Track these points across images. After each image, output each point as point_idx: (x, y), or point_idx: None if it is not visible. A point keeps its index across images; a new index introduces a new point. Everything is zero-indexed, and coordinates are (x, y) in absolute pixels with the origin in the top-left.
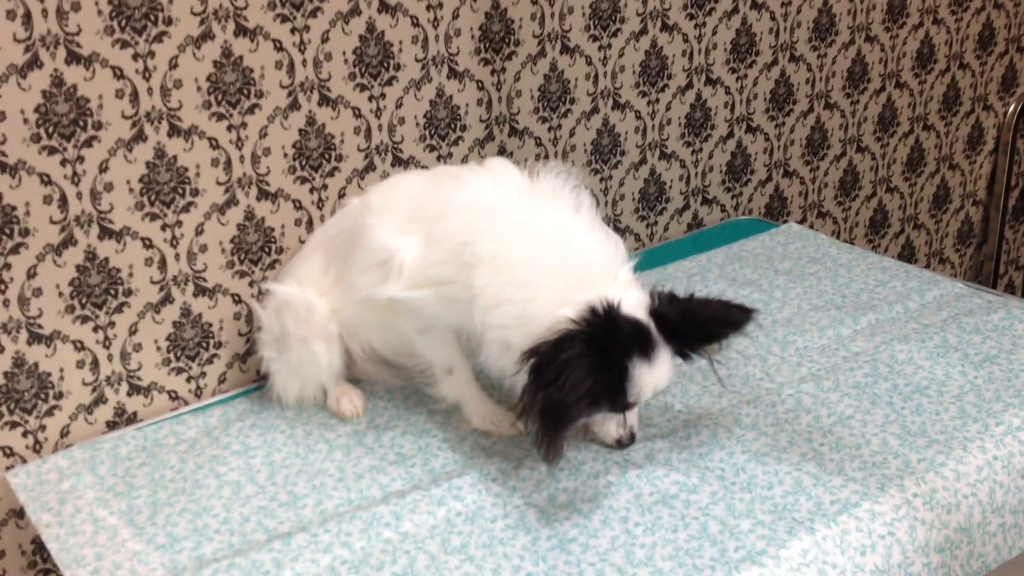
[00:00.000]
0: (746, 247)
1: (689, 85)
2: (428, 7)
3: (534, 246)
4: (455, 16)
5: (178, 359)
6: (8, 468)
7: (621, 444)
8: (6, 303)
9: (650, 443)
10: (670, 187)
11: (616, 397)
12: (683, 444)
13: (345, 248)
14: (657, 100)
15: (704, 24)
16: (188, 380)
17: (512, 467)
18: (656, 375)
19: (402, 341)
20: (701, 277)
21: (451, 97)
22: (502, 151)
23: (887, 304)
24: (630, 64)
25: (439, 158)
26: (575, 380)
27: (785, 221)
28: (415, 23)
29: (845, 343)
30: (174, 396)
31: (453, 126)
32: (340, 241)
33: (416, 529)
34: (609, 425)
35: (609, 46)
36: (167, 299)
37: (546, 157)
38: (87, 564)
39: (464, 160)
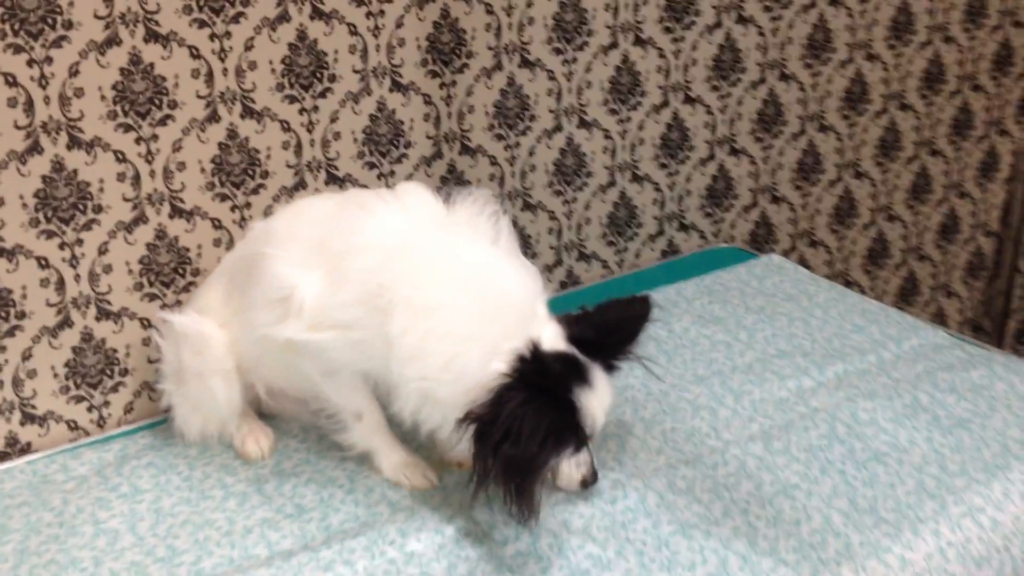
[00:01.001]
0: (720, 279)
1: (665, 103)
2: (368, 15)
3: (455, 289)
4: (399, 25)
5: (78, 387)
6: None
7: (586, 484)
8: None
9: (571, 507)
10: (642, 212)
11: (575, 431)
12: (607, 510)
13: (245, 277)
14: (628, 119)
15: (683, 39)
16: (90, 409)
17: (415, 528)
18: (601, 397)
19: (306, 382)
20: (665, 310)
21: (394, 111)
22: (452, 170)
23: (859, 353)
24: (598, 80)
25: (380, 176)
26: (531, 426)
27: (772, 250)
28: (352, 31)
29: (806, 397)
30: (73, 426)
31: (396, 142)
32: (241, 267)
33: None
34: (569, 471)
35: (575, 60)
36: (65, 322)
37: (501, 178)
38: None
39: (409, 178)
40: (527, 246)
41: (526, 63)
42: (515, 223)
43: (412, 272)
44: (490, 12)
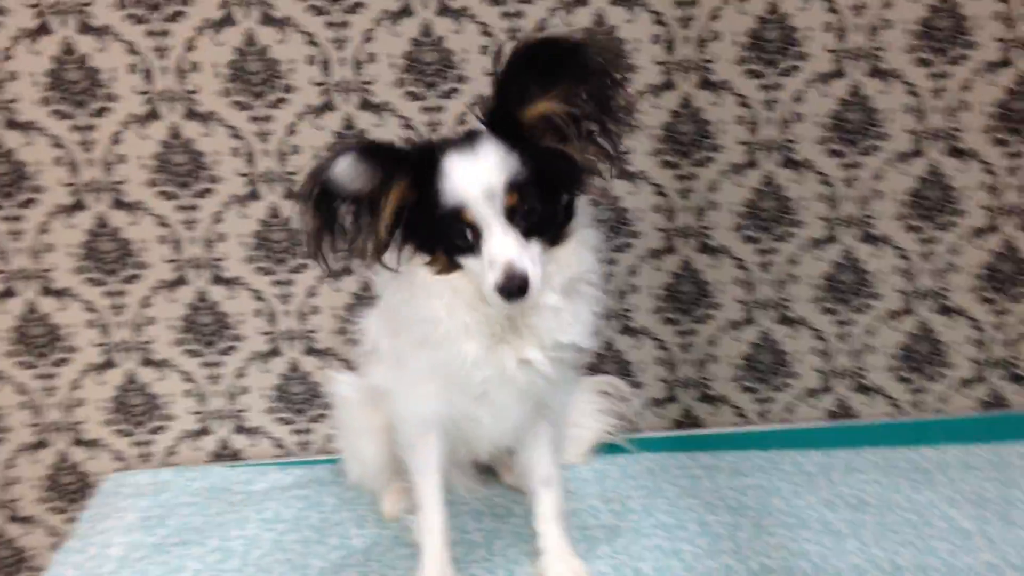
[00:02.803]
0: None
1: (993, 228)
2: None
3: None
4: None
5: (284, 410)
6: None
7: (503, 290)
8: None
9: None
10: (951, 350)
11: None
12: None
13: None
14: (935, 239)
15: (1019, 153)
16: (295, 432)
17: None
18: (479, 164)
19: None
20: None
21: (618, 198)
22: (687, 266)
23: None
24: (891, 188)
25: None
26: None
27: None
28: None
29: None
30: (278, 445)
31: (618, 229)
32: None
33: None
34: (485, 274)
35: (857, 164)
36: (274, 352)
37: (749, 284)
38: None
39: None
40: (782, 363)
41: (790, 163)
42: (765, 336)
43: None
44: (744, 105)
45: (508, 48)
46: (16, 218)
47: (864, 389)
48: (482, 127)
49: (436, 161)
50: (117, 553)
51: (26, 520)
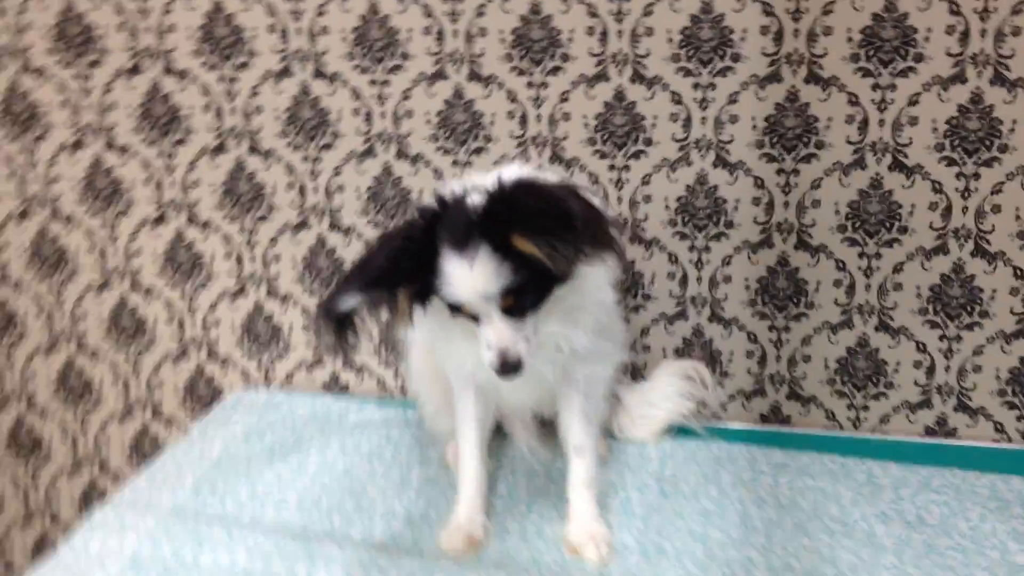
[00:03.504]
0: None
1: None
2: (696, 86)
3: None
4: (731, 101)
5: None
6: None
7: (498, 370)
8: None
9: None
10: None
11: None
12: None
13: None
14: None
15: None
16: (396, 376)
17: None
18: (475, 272)
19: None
20: (1002, 506)
21: (716, 187)
22: (784, 263)
23: None
24: (1011, 204)
25: (692, 248)
26: (371, 256)
27: None
28: (676, 100)
29: None
30: (382, 384)
31: (715, 218)
32: None
33: None
34: (481, 352)
35: (976, 175)
36: None
37: (851, 286)
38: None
39: (727, 262)
40: (881, 372)
41: (899, 166)
42: (863, 341)
43: None
44: (854, 103)
45: (507, 180)
46: (170, 155)
47: (968, 410)
48: (471, 204)
49: (434, 255)
50: (213, 456)
51: (168, 421)
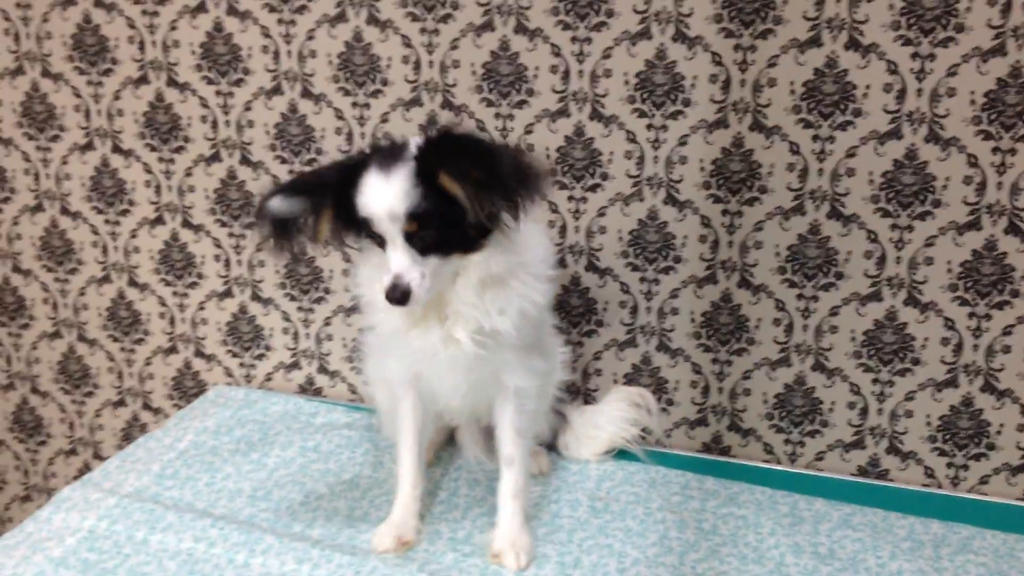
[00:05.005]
0: None
1: None
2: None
3: None
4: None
5: (359, 360)
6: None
7: (387, 297)
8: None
9: None
10: (993, 428)
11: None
12: None
13: None
14: (989, 315)
15: None
16: (365, 384)
17: None
18: (388, 190)
19: None
20: (915, 550)
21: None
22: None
23: None
24: (943, 258)
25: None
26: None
27: None
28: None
29: None
30: (352, 390)
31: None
32: None
33: None
34: (382, 277)
35: (908, 227)
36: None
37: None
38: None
39: None
40: (817, 411)
41: (836, 214)
42: (800, 379)
43: None
44: (795, 152)
45: (440, 123)
46: (171, 160)
47: (899, 452)
48: (413, 141)
49: (360, 175)
50: (181, 446)
51: (156, 411)
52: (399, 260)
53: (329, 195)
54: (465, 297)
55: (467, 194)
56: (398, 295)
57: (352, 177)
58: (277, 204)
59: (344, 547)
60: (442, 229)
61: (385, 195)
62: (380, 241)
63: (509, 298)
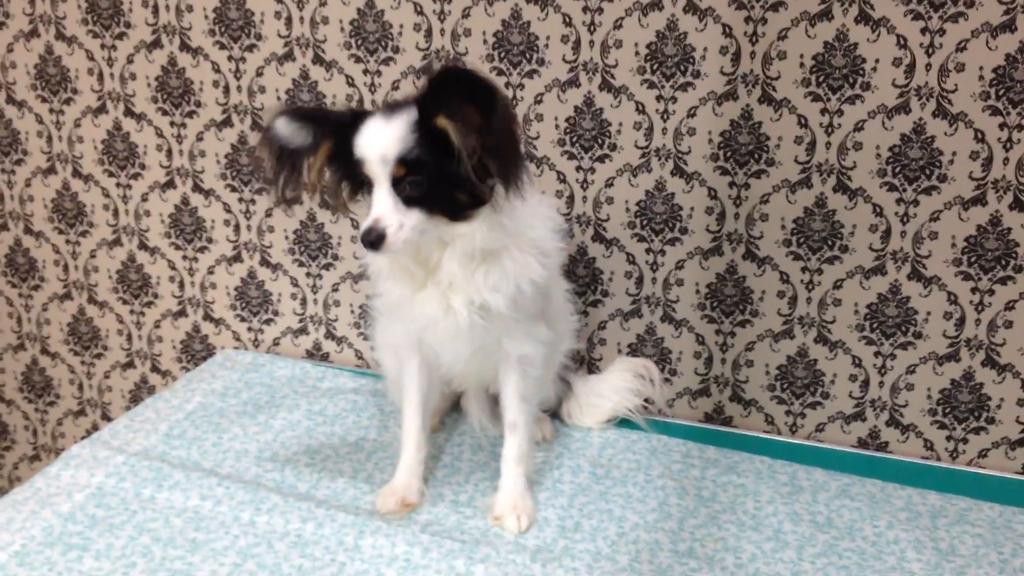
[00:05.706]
0: None
1: None
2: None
3: None
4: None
5: (365, 327)
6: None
7: (361, 238)
8: None
9: None
10: (993, 403)
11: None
12: None
13: None
14: (992, 289)
15: None
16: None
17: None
18: (381, 135)
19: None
20: (912, 519)
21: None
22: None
23: None
24: (947, 232)
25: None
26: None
27: None
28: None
29: None
30: (359, 356)
31: None
32: None
33: None
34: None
35: (914, 202)
36: (363, 275)
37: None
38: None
39: None
40: (818, 382)
41: (843, 188)
42: (802, 351)
43: None
44: (803, 125)
45: (438, 65)
46: (182, 124)
47: (899, 425)
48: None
49: (362, 121)
50: (189, 408)
51: (164, 373)
52: (381, 204)
53: (331, 129)
54: (450, 268)
55: (457, 130)
56: (372, 238)
57: (357, 121)
58: (282, 126)
59: (348, 507)
60: (431, 182)
61: (380, 137)
62: (369, 187)
63: (503, 274)
